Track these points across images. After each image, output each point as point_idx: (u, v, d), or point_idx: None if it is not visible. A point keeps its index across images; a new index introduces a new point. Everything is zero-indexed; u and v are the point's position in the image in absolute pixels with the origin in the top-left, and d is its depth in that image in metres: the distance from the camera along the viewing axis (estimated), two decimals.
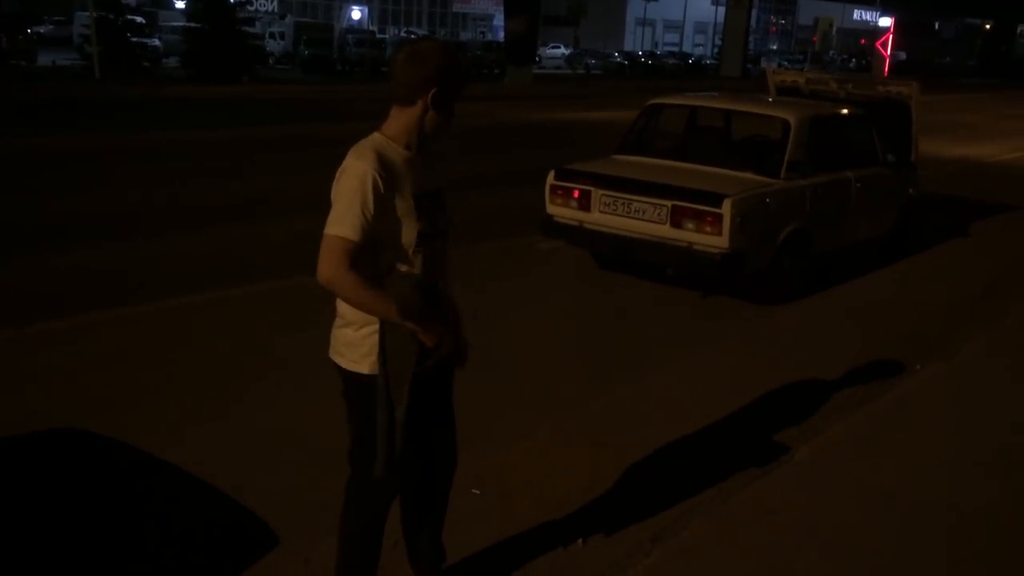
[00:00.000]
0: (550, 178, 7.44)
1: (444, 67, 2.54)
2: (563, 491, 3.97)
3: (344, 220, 2.44)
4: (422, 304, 2.47)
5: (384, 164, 2.50)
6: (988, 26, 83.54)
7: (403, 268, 2.56)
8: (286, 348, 5.39)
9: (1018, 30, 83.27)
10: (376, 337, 2.57)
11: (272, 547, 3.42)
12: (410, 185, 2.55)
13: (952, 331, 6.54)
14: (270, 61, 36.63)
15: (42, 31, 40.55)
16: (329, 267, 2.45)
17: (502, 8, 41.84)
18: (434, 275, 2.61)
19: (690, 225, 6.61)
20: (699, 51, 74.00)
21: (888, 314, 7.15)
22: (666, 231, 6.74)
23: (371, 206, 2.44)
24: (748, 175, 7.05)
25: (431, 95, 2.53)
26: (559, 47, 55.17)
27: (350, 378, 2.67)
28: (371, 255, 2.49)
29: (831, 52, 74.87)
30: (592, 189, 7.15)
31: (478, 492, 3.78)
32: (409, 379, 2.55)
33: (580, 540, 3.58)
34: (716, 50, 61.56)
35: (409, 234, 2.55)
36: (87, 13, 27.52)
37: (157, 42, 34.31)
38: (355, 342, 2.62)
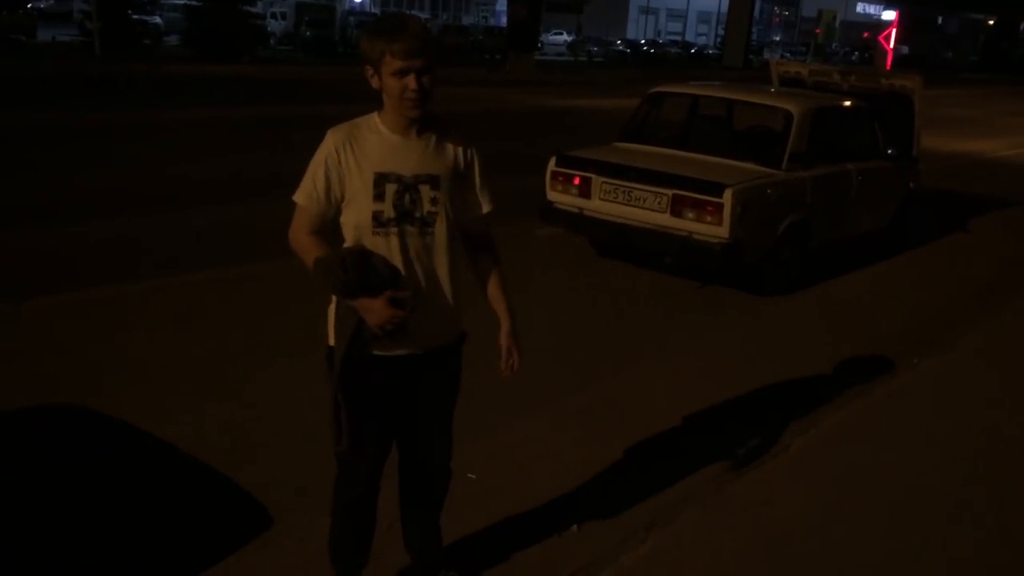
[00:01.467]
0: (551, 164, 7.43)
1: (370, 40, 2.45)
2: (557, 477, 3.98)
3: (302, 187, 2.58)
4: (342, 276, 2.41)
5: (351, 139, 2.54)
6: (991, 22, 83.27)
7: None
8: (287, 327, 5.38)
9: (1021, 27, 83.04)
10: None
11: (267, 527, 3.43)
12: (373, 164, 2.52)
13: (949, 325, 6.55)
14: (271, 41, 36.44)
15: (42, 6, 40.39)
16: (290, 230, 2.61)
17: None
18: (393, 259, 2.52)
19: (690, 214, 6.61)
20: (702, 40, 73.78)
21: (885, 308, 7.15)
22: (666, 220, 6.73)
23: (321, 176, 2.54)
24: (749, 165, 7.03)
25: (372, 74, 2.50)
26: (562, 33, 54.97)
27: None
28: (335, 229, 2.59)
29: (834, 44, 74.67)
30: (593, 176, 7.13)
31: (473, 476, 3.79)
32: (341, 354, 2.55)
33: (574, 526, 3.59)
34: (719, 40, 61.38)
35: (362, 213, 2.53)
36: None
37: (158, 20, 34.14)
38: (328, 315, 2.66)
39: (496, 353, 2.77)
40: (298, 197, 2.58)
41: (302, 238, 2.57)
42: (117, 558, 3.22)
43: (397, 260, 2.54)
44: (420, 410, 2.78)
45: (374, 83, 2.51)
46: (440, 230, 2.60)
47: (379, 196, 2.52)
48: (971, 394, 5.23)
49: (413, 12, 57.86)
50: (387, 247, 2.54)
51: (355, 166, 2.53)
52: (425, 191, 2.56)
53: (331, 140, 2.56)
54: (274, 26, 39.47)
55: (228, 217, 8.14)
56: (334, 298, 2.58)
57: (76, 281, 6.07)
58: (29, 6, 33.64)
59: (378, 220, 2.53)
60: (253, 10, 33.64)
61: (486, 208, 2.73)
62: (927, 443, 4.51)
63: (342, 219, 2.60)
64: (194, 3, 30.41)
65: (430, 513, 3.02)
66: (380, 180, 2.52)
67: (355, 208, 2.54)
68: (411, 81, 2.44)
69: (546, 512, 3.71)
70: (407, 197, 2.54)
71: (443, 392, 2.82)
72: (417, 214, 2.56)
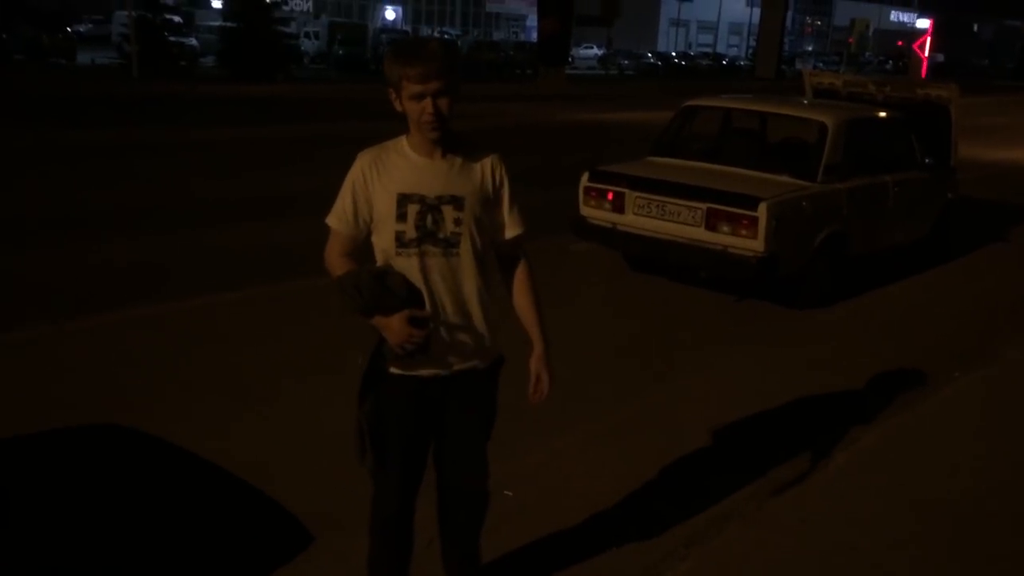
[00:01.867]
0: (584, 179, 7.43)
1: (388, 65, 2.49)
2: (595, 494, 3.96)
3: (333, 210, 2.65)
4: (357, 295, 2.45)
5: (378, 162, 2.59)
6: None
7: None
8: (325, 346, 5.41)
9: None
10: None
11: (307, 545, 3.44)
12: (397, 186, 2.55)
13: (991, 338, 6.44)
14: (304, 60, 36.91)
15: (82, 30, 41.20)
16: (325, 251, 2.67)
17: (535, 8, 41.81)
18: (416, 280, 2.55)
19: (725, 228, 6.57)
20: (733, 52, 73.51)
21: (925, 320, 7.05)
22: (701, 234, 6.70)
23: (349, 199, 2.60)
24: (784, 178, 6.99)
25: (394, 98, 2.53)
26: (592, 47, 55.02)
27: None
28: (368, 250, 2.65)
29: (867, 54, 74.06)
30: (626, 191, 7.12)
31: (510, 494, 3.78)
32: (362, 371, 2.63)
33: (613, 547, 3.56)
34: (750, 51, 61.10)
35: (386, 234, 2.58)
36: (126, 12, 27.88)
37: (194, 41, 34.69)
38: None
39: (527, 376, 2.77)
40: (330, 220, 2.65)
41: (334, 259, 2.65)
42: None
43: (419, 281, 2.56)
44: (449, 432, 2.78)
45: (397, 106, 2.54)
46: (465, 251, 2.60)
47: (401, 217, 2.56)
48: (1015, 408, 5.13)
49: (444, 29, 58.43)
50: (410, 268, 2.57)
51: (381, 188, 2.57)
52: (448, 212, 2.57)
53: (359, 163, 2.61)
54: (307, 45, 39.99)
55: (258, 234, 8.22)
56: None
57: (110, 300, 6.17)
58: (69, 30, 34.34)
59: (400, 240, 2.57)
60: (287, 30, 34.16)
61: (515, 231, 2.72)
62: (971, 459, 4.43)
63: (373, 239, 2.64)
64: (229, 25, 30.87)
65: (468, 534, 3.00)
66: (403, 201, 2.55)
67: (381, 229, 2.60)
68: (427, 105, 2.46)
69: (584, 529, 3.69)
70: (429, 218, 2.56)
71: (473, 415, 2.79)
72: (440, 235, 2.57)
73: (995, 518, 3.87)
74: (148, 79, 24.58)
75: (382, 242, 2.61)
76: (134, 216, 8.69)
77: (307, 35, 41.73)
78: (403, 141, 2.61)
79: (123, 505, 3.68)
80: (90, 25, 43.53)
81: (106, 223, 8.32)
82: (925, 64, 32.61)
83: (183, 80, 25.38)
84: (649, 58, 54.91)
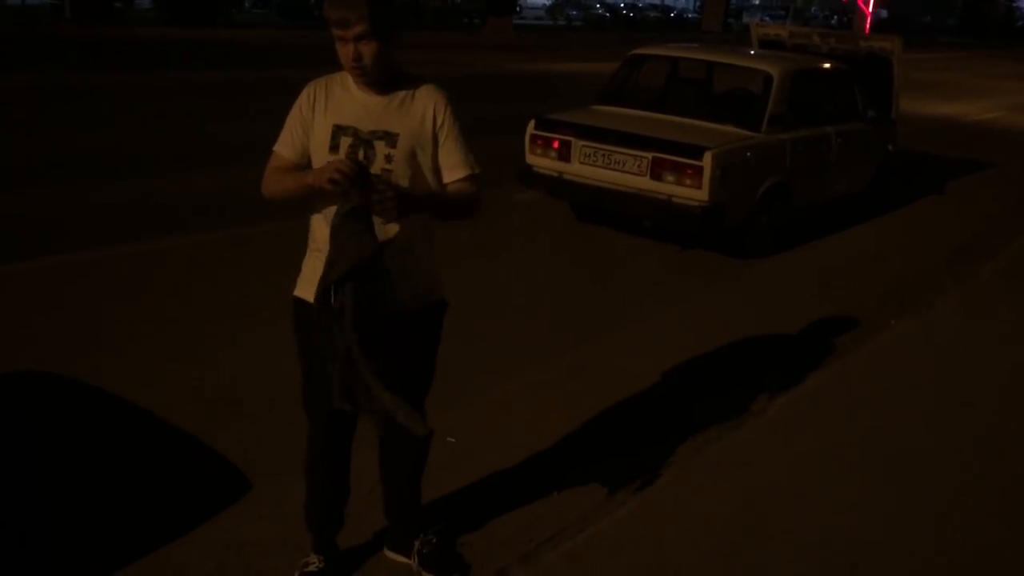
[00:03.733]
0: (530, 128, 7.36)
1: (323, 10, 2.47)
2: (538, 441, 3.97)
3: (281, 137, 2.63)
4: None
5: (322, 92, 2.58)
6: None
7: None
8: (264, 292, 5.31)
9: None
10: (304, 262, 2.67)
11: (245, 491, 3.40)
12: (334, 116, 2.53)
13: (926, 288, 6.57)
14: (245, 4, 35.84)
15: None
16: (263, 177, 2.62)
17: None
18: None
19: (670, 177, 6.57)
20: (681, 4, 73.26)
21: (863, 270, 7.17)
22: (646, 183, 6.69)
23: (295, 122, 2.59)
24: (729, 128, 7.00)
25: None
26: None
27: None
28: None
29: (813, 8, 74.41)
30: (572, 139, 7.08)
31: (453, 440, 3.76)
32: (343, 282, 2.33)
33: (555, 492, 3.58)
34: (698, 4, 60.97)
35: (318, 164, 2.52)
36: None
37: None
38: (304, 269, 2.69)
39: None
40: (277, 146, 2.63)
41: (268, 174, 2.62)
42: (88, 523, 3.18)
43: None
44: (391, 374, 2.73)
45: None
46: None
47: (334, 148, 2.52)
48: (949, 355, 5.26)
49: None
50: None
51: (321, 117, 2.55)
52: (380, 147, 2.50)
53: (306, 91, 2.61)
54: None
55: (205, 182, 8.03)
56: (320, 247, 2.49)
57: (60, 244, 5.98)
58: None
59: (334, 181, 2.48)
60: None
61: (455, 175, 2.59)
62: (906, 403, 4.54)
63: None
64: None
65: (409, 480, 2.99)
66: (336, 132, 2.52)
67: (315, 159, 2.56)
68: (350, 50, 2.41)
69: (526, 476, 3.70)
70: (361, 151, 2.50)
71: (412, 357, 2.70)
72: (372, 170, 2.47)
73: (930, 457, 3.97)
74: (81, 21, 23.66)
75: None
76: (78, 162, 8.40)
77: None
78: (349, 75, 2.55)
79: (56, 455, 3.59)
80: None
81: (45, 169, 8.04)
82: (869, 19, 32.84)
83: (118, 23, 24.49)
84: (598, 9, 54.48)
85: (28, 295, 5.22)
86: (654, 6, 62.62)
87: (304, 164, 2.59)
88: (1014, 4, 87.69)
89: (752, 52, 9.02)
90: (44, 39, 19.48)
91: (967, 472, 3.92)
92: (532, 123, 7.36)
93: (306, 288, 2.57)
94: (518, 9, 41.05)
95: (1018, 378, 5.05)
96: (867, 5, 32.27)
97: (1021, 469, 3.98)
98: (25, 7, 28.64)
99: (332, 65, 2.58)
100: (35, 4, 28.82)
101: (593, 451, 3.98)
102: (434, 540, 3.05)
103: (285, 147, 2.61)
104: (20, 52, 16.90)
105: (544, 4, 52.57)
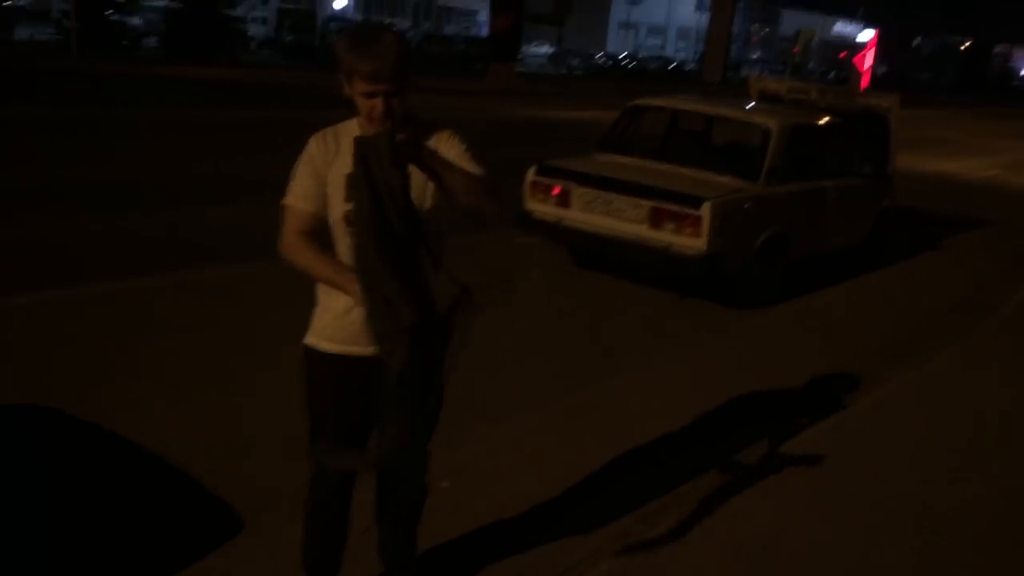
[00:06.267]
0: (530, 174, 7.42)
1: (341, 52, 2.40)
2: (532, 486, 3.95)
3: (291, 190, 2.57)
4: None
5: (330, 143, 2.57)
6: (966, 45, 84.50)
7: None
8: (266, 332, 5.32)
9: (994, 50, 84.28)
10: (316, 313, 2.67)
11: (238, 531, 3.38)
12: (347, 165, 2.44)
13: (922, 342, 6.59)
14: (252, 45, 36.27)
15: (23, 4, 39.87)
16: (281, 235, 2.56)
17: (487, 4, 41.70)
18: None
19: (669, 226, 6.62)
20: (681, 55, 74.25)
21: (859, 323, 7.20)
22: (645, 231, 6.74)
23: (307, 176, 2.55)
24: (728, 179, 7.07)
25: (345, 84, 2.45)
26: (543, 45, 55.08)
27: None
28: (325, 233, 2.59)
29: (811, 64, 75.41)
30: (573, 186, 7.14)
31: (447, 484, 3.75)
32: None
33: (546, 540, 3.55)
34: (698, 56, 61.79)
35: (336, 214, 2.52)
36: None
37: (138, 21, 33.84)
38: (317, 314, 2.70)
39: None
40: (288, 200, 2.57)
41: (292, 239, 2.54)
42: (81, 561, 3.16)
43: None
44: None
45: (346, 92, 2.46)
46: None
47: (350, 197, 2.50)
48: (946, 409, 5.26)
49: (394, 20, 57.89)
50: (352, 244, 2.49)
51: (334, 169, 2.53)
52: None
53: (313, 143, 2.59)
54: (256, 30, 39.30)
55: (203, 219, 8.07)
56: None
57: (53, 280, 5.99)
58: (8, 3, 33.24)
59: (349, 220, 2.50)
60: (234, 14, 33.49)
61: (474, 171, 2.53)
62: (904, 453, 4.53)
63: (329, 221, 2.59)
64: (175, 5, 30.20)
65: (405, 523, 2.98)
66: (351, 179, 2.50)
67: (332, 211, 2.55)
68: (378, 104, 2.41)
69: (520, 520, 3.68)
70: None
71: (402, 394, 2.63)
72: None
73: (930, 509, 3.96)
74: (86, 57, 23.91)
75: (333, 221, 2.57)
76: (81, 194, 8.45)
77: (255, 20, 41.06)
78: (354, 123, 2.57)
79: (50, 491, 3.57)
80: None
81: (46, 201, 8.08)
82: (867, 77, 33.18)
83: (124, 60, 24.74)
84: (600, 58, 55.20)
85: (30, 328, 5.21)
86: (656, 57, 63.46)
87: (322, 212, 2.55)
88: (1009, 64, 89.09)
89: (751, 105, 9.13)
90: (38, 73, 19.57)
91: (967, 523, 3.90)
92: (532, 170, 7.43)
93: (319, 337, 2.65)
94: (520, 57, 41.55)
95: (1019, 431, 5.06)
96: (862, 63, 32.64)
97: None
98: (33, 42, 28.98)
99: (336, 107, 2.59)
100: (43, 40, 29.19)
101: (589, 496, 3.96)
102: None
103: (301, 200, 2.55)
104: (20, 86, 17.07)
105: (546, 53, 53.25)
